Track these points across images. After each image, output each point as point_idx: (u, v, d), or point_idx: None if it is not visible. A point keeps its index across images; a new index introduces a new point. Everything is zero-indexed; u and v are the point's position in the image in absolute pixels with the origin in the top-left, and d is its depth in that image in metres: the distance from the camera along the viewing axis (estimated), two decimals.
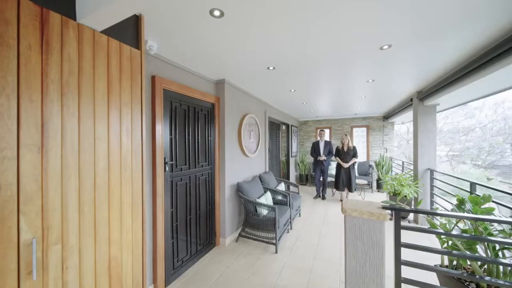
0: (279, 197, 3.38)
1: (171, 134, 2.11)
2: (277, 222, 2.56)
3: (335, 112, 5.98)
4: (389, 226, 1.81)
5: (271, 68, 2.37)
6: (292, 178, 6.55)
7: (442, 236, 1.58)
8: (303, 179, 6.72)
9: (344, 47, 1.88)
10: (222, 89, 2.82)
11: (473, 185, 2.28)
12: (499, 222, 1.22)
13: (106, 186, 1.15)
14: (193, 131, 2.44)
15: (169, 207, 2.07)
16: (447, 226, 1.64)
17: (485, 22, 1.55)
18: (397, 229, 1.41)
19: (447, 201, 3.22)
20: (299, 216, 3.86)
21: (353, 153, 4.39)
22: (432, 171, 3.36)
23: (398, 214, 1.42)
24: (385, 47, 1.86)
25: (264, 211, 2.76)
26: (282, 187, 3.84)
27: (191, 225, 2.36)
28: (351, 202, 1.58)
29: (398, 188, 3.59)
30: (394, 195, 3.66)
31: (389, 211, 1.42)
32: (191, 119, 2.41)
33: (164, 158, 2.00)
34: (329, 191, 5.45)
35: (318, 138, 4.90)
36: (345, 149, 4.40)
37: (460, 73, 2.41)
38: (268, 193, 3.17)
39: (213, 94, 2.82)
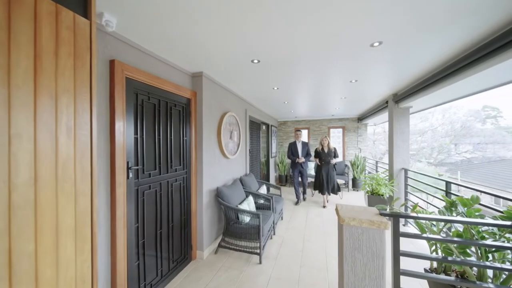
0: (261, 201, 3.19)
1: (136, 133, 1.75)
2: (261, 230, 2.35)
3: (313, 112, 6.04)
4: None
5: (255, 61, 2.16)
6: (272, 179, 6.44)
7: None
8: (283, 180, 6.66)
9: (335, 41, 1.76)
10: (200, 83, 2.51)
11: (448, 183, 2.38)
12: (500, 226, 1.19)
13: (31, 206, 0.80)
14: (165, 129, 2.09)
15: (134, 222, 1.71)
16: (434, 228, 1.62)
17: (457, 33, 1.60)
18: (396, 237, 1.31)
19: (423, 200, 3.39)
20: (281, 219, 3.72)
21: (333, 155, 4.22)
22: (406, 170, 3.51)
23: (397, 220, 1.32)
24: (376, 44, 1.79)
25: (246, 218, 2.53)
26: (263, 189, 3.65)
27: (162, 240, 2.01)
28: (346, 209, 1.44)
29: (376, 187, 3.69)
30: (372, 194, 3.75)
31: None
32: (163, 116, 2.06)
33: (127, 163, 1.64)
34: (308, 191, 5.46)
35: (295, 139, 4.67)
36: (326, 150, 4.21)
37: (433, 79, 2.54)
38: (250, 197, 2.94)
39: (189, 88, 2.49)
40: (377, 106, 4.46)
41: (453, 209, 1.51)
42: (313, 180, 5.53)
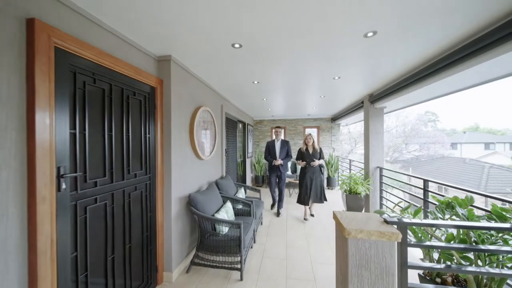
0: (240, 206, 2.87)
1: (74, 127, 1.27)
2: (242, 242, 2.04)
3: (290, 111, 5.96)
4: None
5: (237, 45, 1.83)
6: (249, 181, 6.16)
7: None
8: (259, 181, 6.44)
9: (323, 29, 1.55)
10: (168, 69, 2.08)
11: (426, 182, 2.42)
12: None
13: None
14: (120, 123, 1.62)
15: (70, 251, 1.23)
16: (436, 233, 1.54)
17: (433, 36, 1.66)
18: (404, 247, 1.15)
19: (401, 197, 3.51)
20: (261, 224, 3.46)
21: (320, 155, 3.65)
22: (381, 169, 3.60)
23: (405, 229, 1.16)
24: (370, 34, 1.64)
25: (225, 229, 2.19)
26: (242, 193, 3.34)
27: (115, 268, 1.55)
28: (348, 217, 1.24)
29: (354, 186, 3.72)
30: (350, 193, 3.77)
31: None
32: (116, 106, 1.59)
33: (58, 168, 1.16)
34: (286, 191, 5.34)
35: (274, 137, 3.96)
36: (310, 151, 3.63)
37: (409, 80, 2.61)
38: (228, 204, 2.61)
39: (154, 74, 2.04)
40: (352, 106, 4.55)
41: (447, 210, 1.44)
42: (297, 181, 5.33)
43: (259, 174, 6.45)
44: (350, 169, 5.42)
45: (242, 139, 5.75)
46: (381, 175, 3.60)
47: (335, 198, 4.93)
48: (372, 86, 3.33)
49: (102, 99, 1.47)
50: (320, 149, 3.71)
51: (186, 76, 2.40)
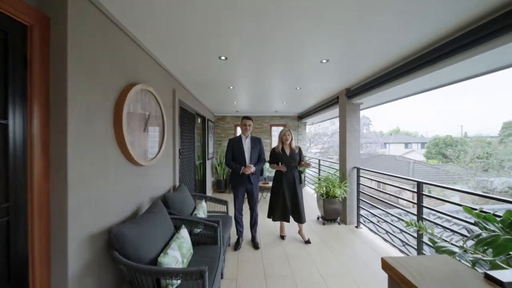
0: (199, 230, 2.02)
1: None
2: None
3: (257, 107, 5.35)
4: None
5: None
6: (209, 186, 5.23)
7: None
8: (221, 186, 5.60)
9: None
10: (64, 2, 1.09)
11: (420, 184, 2.15)
12: None
13: None
14: None
15: None
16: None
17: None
18: None
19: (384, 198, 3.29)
20: (228, 245, 2.68)
21: (299, 157, 2.79)
22: (358, 170, 3.34)
23: None
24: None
25: (176, 282, 1.33)
26: (202, 208, 2.47)
27: None
28: (418, 273, 0.63)
29: (331, 189, 3.35)
30: (328, 196, 3.39)
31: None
32: None
33: None
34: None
35: (240, 133, 2.76)
36: (288, 151, 2.75)
37: (390, 75, 2.40)
38: (183, 232, 1.73)
39: (33, 4, 1.02)
40: (326, 102, 4.25)
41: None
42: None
43: (222, 178, 5.61)
44: (319, 169, 5.19)
45: (202, 137, 4.81)
46: (358, 176, 3.34)
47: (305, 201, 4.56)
48: (349, 80, 3.01)
49: None
50: (299, 149, 2.85)
51: (111, 29, 1.43)
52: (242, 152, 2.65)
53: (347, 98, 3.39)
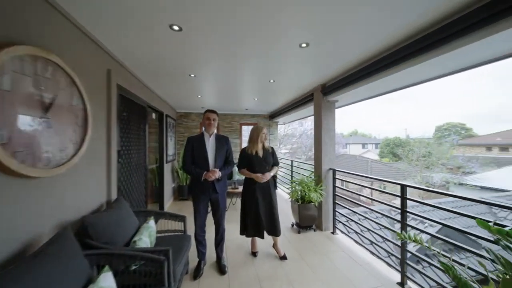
0: (136, 266, 1.41)
1: None
2: None
3: (226, 104, 4.82)
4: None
5: None
6: (168, 195, 4.47)
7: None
8: (184, 193, 4.87)
9: None
10: None
11: (404, 187, 1.95)
12: None
13: None
14: None
15: None
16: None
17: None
18: None
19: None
20: (187, 273, 2.10)
21: (273, 158, 2.36)
22: (334, 171, 3.12)
23: None
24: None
25: None
26: (148, 231, 1.82)
27: None
28: None
29: (307, 193, 3.05)
30: (303, 202, 3.08)
31: None
32: None
33: None
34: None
35: (203, 129, 2.22)
36: (261, 153, 2.28)
37: (367, 70, 2.24)
38: (108, 277, 1.12)
39: None
40: (299, 100, 3.98)
41: None
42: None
43: (184, 183, 4.88)
44: (292, 172, 4.94)
45: (159, 136, 4.04)
46: (334, 178, 3.12)
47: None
48: (326, 75, 2.76)
49: None
50: (272, 149, 2.39)
51: None
52: (204, 153, 2.09)
53: (322, 95, 3.15)
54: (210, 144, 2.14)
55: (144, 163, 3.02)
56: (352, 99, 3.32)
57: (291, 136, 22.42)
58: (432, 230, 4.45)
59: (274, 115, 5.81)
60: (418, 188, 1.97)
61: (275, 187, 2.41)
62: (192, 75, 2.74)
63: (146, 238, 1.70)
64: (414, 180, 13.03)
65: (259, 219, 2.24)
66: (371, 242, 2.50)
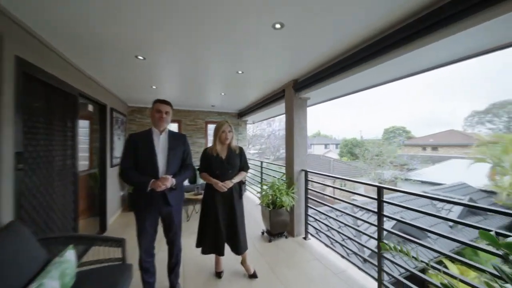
0: None
1: None
2: None
3: (189, 99, 4.27)
4: None
5: None
6: (115, 204, 3.67)
7: None
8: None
9: None
10: None
11: (381, 189, 1.84)
12: None
13: None
14: None
15: None
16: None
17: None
18: None
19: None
20: None
21: (240, 161, 1.98)
22: (306, 173, 2.95)
23: None
24: None
25: None
26: (60, 271, 1.25)
27: None
28: None
29: (279, 197, 2.79)
30: (274, 207, 2.81)
31: None
32: None
33: None
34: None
35: (153, 125, 1.70)
36: (224, 154, 1.91)
37: (341, 65, 2.10)
38: None
39: None
40: (270, 97, 3.72)
41: None
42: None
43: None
44: (261, 173, 4.67)
45: (100, 134, 3.26)
46: (306, 180, 2.95)
47: (244, 209, 3.87)
48: (298, 69, 2.56)
49: None
50: (241, 150, 2.02)
51: None
52: (152, 155, 1.60)
53: (294, 92, 2.94)
54: (161, 144, 1.66)
55: (73, 169, 2.30)
56: (324, 97, 3.23)
57: (260, 136, 22.55)
58: (388, 226, 4.74)
59: (243, 114, 5.47)
60: (394, 189, 1.89)
61: (241, 195, 2.00)
62: (141, 57, 2.19)
63: (53, 282, 1.15)
64: (369, 177, 14.37)
65: (218, 233, 1.86)
66: (343, 246, 2.37)
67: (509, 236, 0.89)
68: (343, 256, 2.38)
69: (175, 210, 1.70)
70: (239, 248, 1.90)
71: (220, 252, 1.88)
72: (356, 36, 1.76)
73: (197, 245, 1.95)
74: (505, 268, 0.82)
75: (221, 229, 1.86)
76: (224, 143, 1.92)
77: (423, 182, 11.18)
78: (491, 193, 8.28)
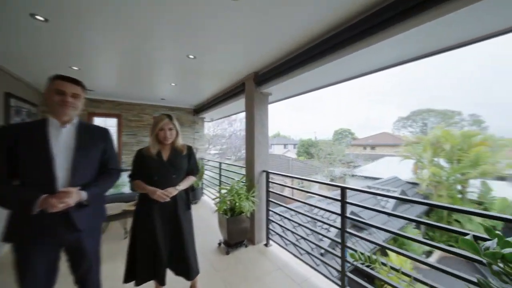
0: None
1: None
2: None
3: (131, 89, 3.53)
4: None
5: None
6: None
7: None
8: None
9: None
10: None
11: (344, 190, 1.73)
12: None
13: None
14: None
15: None
16: None
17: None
18: None
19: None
20: None
21: (189, 163, 1.58)
22: (268, 174, 2.73)
23: None
24: None
25: None
26: None
27: None
28: None
29: (238, 203, 2.48)
30: (233, 214, 2.49)
31: None
32: None
33: None
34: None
35: (52, 112, 1.10)
36: (166, 155, 1.49)
37: (304, 57, 1.97)
38: None
39: None
40: (228, 91, 3.38)
41: None
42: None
43: None
44: (220, 174, 4.26)
45: None
46: (268, 182, 2.73)
47: (199, 216, 3.43)
48: (259, 61, 2.33)
49: None
50: (190, 150, 1.61)
51: None
52: (44, 158, 1.04)
53: (255, 86, 2.69)
54: (62, 141, 1.11)
55: None
56: (285, 94, 3.08)
57: (221, 136, 21.87)
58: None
59: (199, 110, 4.94)
60: (357, 190, 1.82)
61: (189, 206, 1.61)
62: (40, 18, 1.53)
63: None
64: (322, 174, 15.60)
65: (157, 258, 1.41)
66: (309, 253, 2.24)
67: (487, 240, 0.80)
68: (306, 263, 2.24)
69: (87, 235, 1.18)
70: (190, 271, 1.50)
71: (160, 279, 1.44)
72: (310, 31, 1.65)
73: (126, 280, 1.45)
74: (494, 282, 0.72)
75: (162, 253, 1.42)
76: (163, 143, 1.48)
77: (366, 177, 12.74)
78: (415, 184, 9.99)
